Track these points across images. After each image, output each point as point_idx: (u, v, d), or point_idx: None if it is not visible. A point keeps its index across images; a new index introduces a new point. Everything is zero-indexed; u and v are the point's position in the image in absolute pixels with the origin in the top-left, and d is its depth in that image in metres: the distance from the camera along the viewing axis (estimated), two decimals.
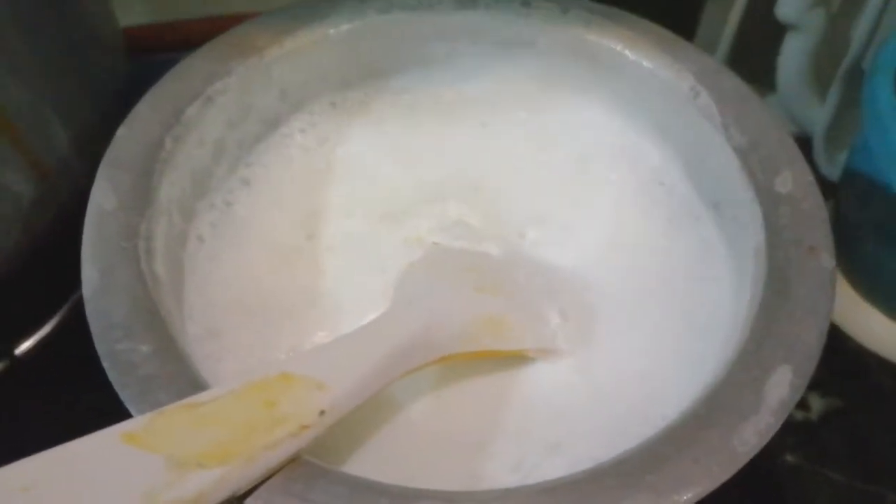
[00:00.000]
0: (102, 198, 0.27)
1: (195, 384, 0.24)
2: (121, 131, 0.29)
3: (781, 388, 0.24)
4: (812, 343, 0.25)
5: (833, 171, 0.46)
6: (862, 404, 0.39)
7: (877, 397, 0.40)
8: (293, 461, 0.23)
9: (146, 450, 0.20)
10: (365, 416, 0.25)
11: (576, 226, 0.33)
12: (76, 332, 0.38)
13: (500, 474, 0.25)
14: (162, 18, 0.52)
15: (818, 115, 0.47)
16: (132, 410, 0.23)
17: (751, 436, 0.23)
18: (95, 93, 0.37)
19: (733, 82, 0.33)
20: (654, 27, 0.35)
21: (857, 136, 0.40)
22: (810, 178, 0.30)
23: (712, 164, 0.32)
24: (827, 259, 0.27)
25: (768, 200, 0.29)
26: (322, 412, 0.23)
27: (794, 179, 0.30)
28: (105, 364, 0.24)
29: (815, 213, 0.29)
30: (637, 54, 0.35)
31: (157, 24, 0.52)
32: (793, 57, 0.46)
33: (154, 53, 0.49)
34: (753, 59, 0.47)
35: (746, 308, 0.27)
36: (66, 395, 0.36)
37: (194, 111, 0.31)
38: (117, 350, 0.24)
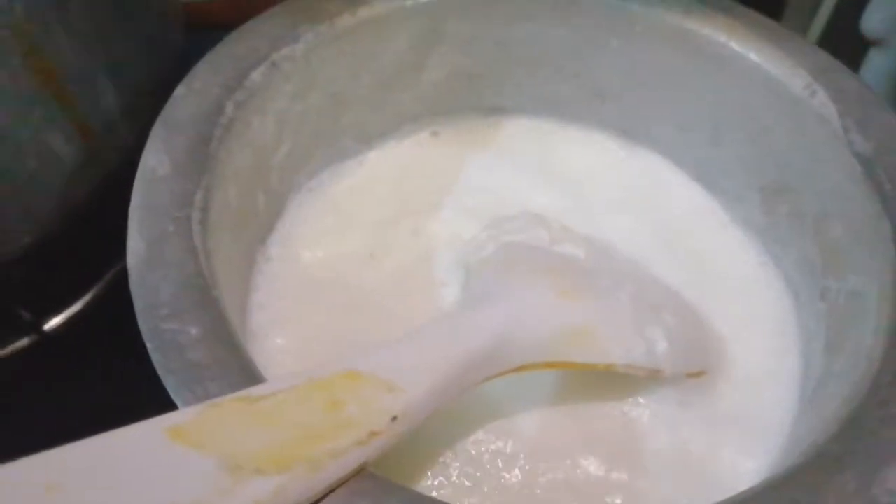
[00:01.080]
0: (156, 161, 0.24)
1: (250, 375, 0.21)
2: (179, 91, 0.26)
3: None
4: None
5: None
6: None
7: None
8: (358, 474, 0.19)
9: (196, 448, 0.17)
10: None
11: None
12: (110, 312, 0.36)
13: None
14: None
15: None
16: (177, 400, 0.20)
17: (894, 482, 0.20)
18: (149, 61, 0.35)
19: (855, 82, 0.29)
20: (762, 17, 0.32)
21: None
22: None
23: (826, 173, 0.29)
24: None
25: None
26: (394, 418, 0.20)
27: None
28: (149, 345, 0.21)
29: None
30: (743, 46, 0.31)
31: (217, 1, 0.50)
32: (877, 74, 0.43)
33: (213, 30, 0.46)
34: None
35: (872, 336, 0.24)
36: (97, 378, 0.34)
37: (259, 76, 0.28)
38: (163, 330, 0.21)
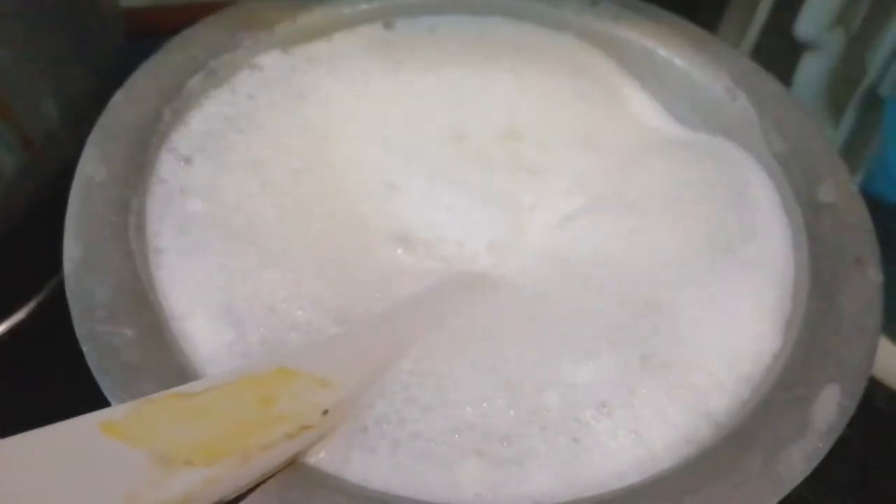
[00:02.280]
0: (92, 168, 0.25)
1: (184, 375, 0.21)
2: (117, 97, 0.27)
3: (829, 409, 0.22)
4: (860, 362, 0.23)
5: None
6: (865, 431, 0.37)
7: (880, 424, 0.38)
8: (290, 465, 0.20)
9: (128, 442, 0.17)
10: None
11: None
12: (53, 320, 0.36)
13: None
14: (163, 1, 0.50)
15: (832, 138, 0.45)
16: (112, 400, 0.20)
17: (798, 461, 0.21)
18: (90, 68, 0.35)
19: (774, 86, 0.31)
20: (687, 24, 0.33)
21: (875, 160, 0.39)
22: (854, 188, 0.28)
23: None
24: (874, 272, 0.25)
25: (811, 210, 0.27)
26: (325, 412, 0.21)
27: (837, 189, 0.28)
28: (84, 348, 0.21)
29: (861, 224, 0.27)
30: (669, 52, 0.32)
31: (158, 7, 0.50)
32: (809, 77, 0.45)
33: (154, 36, 0.46)
34: None
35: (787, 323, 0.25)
36: (40, 387, 0.34)
37: (196, 84, 0.28)
38: (98, 332, 0.21)
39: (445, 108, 0.30)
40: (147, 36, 0.41)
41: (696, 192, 0.28)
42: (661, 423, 0.22)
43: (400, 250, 0.27)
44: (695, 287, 0.26)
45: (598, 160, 0.30)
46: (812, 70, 0.44)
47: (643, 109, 0.32)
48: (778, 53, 0.46)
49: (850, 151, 0.44)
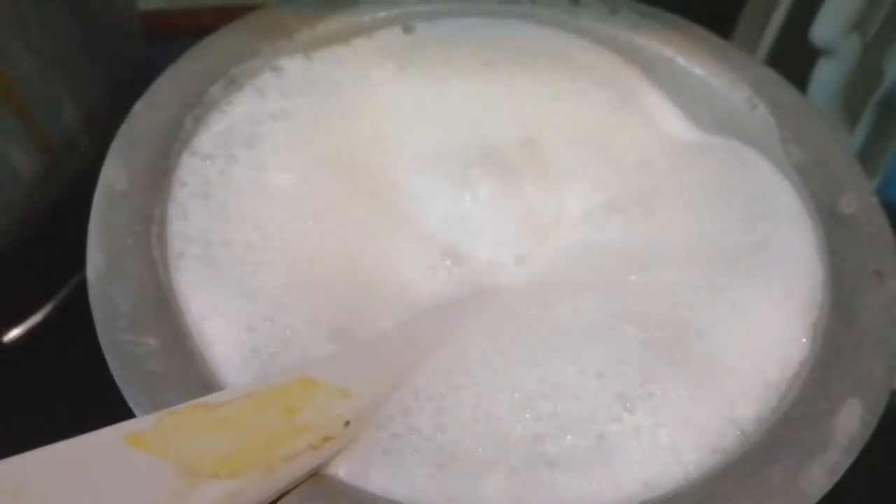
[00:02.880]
0: (114, 176, 0.25)
1: (207, 385, 0.21)
2: (138, 106, 0.27)
3: (851, 423, 0.22)
4: (881, 376, 0.23)
5: None
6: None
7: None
8: (312, 477, 0.20)
9: (154, 454, 0.17)
10: None
11: None
12: (70, 323, 0.36)
13: None
14: (180, 5, 0.50)
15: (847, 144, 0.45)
16: (136, 410, 0.20)
17: (819, 475, 0.21)
18: (109, 72, 0.35)
19: (793, 96, 0.31)
20: (707, 33, 0.33)
21: (891, 165, 0.39)
22: (874, 199, 0.28)
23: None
24: (894, 285, 0.25)
25: (831, 221, 0.27)
26: (347, 423, 0.21)
27: (858, 200, 0.28)
28: (108, 356, 0.21)
29: (882, 236, 0.27)
30: (689, 61, 0.32)
31: (175, 10, 0.50)
32: (825, 83, 0.45)
33: (172, 39, 0.46)
34: None
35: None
36: (57, 390, 0.34)
37: (217, 91, 0.28)
38: (122, 341, 0.21)
39: (466, 113, 0.30)
40: (165, 39, 0.41)
41: (719, 197, 0.28)
42: (687, 429, 0.22)
43: (423, 261, 0.27)
44: (718, 292, 0.26)
45: (619, 166, 0.30)
46: (828, 76, 0.44)
47: (665, 116, 0.32)
48: (793, 59, 0.46)
49: (866, 157, 0.44)
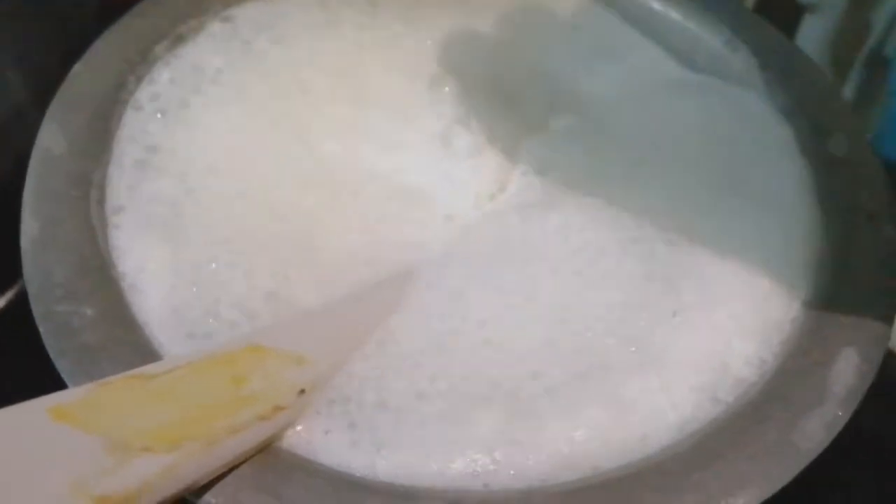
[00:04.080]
0: (51, 140, 0.23)
1: (149, 355, 0.20)
2: (77, 68, 0.25)
3: (847, 374, 0.20)
4: (879, 323, 0.22)
5: None
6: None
7: None
8: (264, 449, 0.19)
9: (80, 428, 0.16)
10: None
11: None
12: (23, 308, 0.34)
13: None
14: None
15: None
16: (70, 384, 0.19)
17: (815, 430, 0.19)
18: (59, 44, 0.33)
19: (776, 37, 0.29)
20: None
21: (881, 120, 0.37)
22: (866, 141, 0.26)
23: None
24: (890, 229, 0.24)
25: (821, 164, 0.25)
26: (302, 391, 0.19)
27: (849, 142, 0.26)
28: (41, 329, 0.20)
29: (875, 177, 0.25)
30: (665, 4, 0.31)
31: None
32: (812, 38, 0.43)
33: (127, 7, 0.44)
34: None
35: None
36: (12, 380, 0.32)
37: (162, 50, 0.27)
38: (56, 312, 0.20)
39: (424, 54, 0.28)
40: (119, 9, 0.39)
41: (706, 134, 0.27)
42: (684, 372, 0.21)
43: (374, 215, 0.25)
44: (711, 229, 0.24)
45: (599, 96, 0.28)
46: (814, 30, 0.43)
47: (644, 57, 0.30)
48: (779, 14, 0.44)
49: (856, 113, 0.43)
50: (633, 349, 0.21)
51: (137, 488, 0.15)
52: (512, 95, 0.28)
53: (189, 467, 0.16)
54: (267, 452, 0.18)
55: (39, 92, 0.31)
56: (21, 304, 0.34)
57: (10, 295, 0.35)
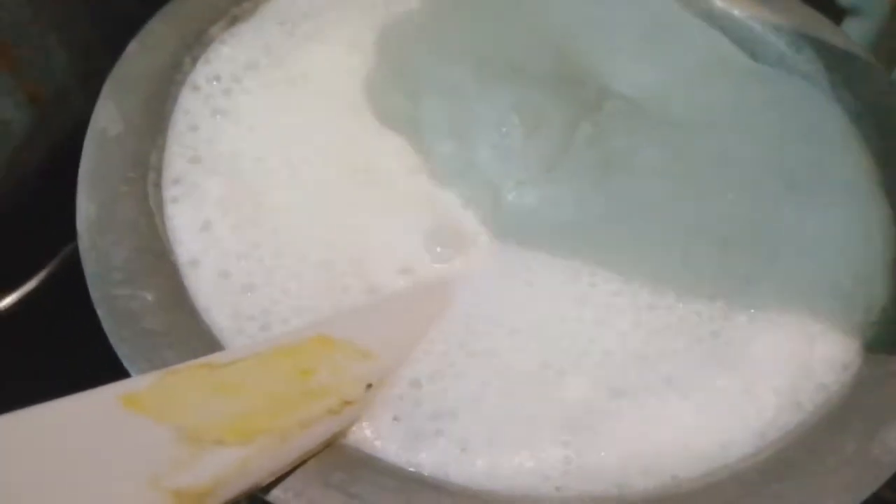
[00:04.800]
0: (107, 120, 0.23)
1: (210, 343, 0.19)
2: (132, 47, 0.25)
3: None
4: None
5: None
6: None
7: None
8: (329, 445, 0.18)
9: (152, 417, 0.15)
10: None
11: None
12: (65, 289, 0.34)
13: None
14: None
15: None
16: (132, 370, 0.18)
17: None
18: (103, 23, 0.33)
19: (841, 37, 0.28)
20: None
21: None
22: None
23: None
24: None
25: (889, 166, 0.25)
26: (369, 385, 0.18)
27: None
28: (100, 312, 0.19)
29: None
30: (726, 2, 0.30)
31: None
32: None
33: None
34: None
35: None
36: (53, 358, 0.32)
37: (218, 31, 0.26)
38: (115, 296, 0.19)
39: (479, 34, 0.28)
40: None
41: (774, 124, 0.26)
42: (767, 373, 0.20)
43: (423, 201, 0.24)
44: (787, 220, 0.24)
45: (664, 75, 0.27)
46: (855, 33, 0.42)
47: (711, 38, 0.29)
48: None
49: None
50: (713, 346, 0.21)
51: (213, 483, 0.15)
52: (569, 79, 0.28)
53: (262, 462, 0.16)
54: (333, 448, 0.18)
55: (82, 69, 0.31)
56: (53, 287, 0.34)
57: (41, 276, 0.35)
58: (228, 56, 0.25)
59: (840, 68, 0.28)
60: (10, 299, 0.33)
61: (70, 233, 0.34)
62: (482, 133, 0.26)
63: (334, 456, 0.18)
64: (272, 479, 0.16)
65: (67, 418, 0.15)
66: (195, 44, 0.26)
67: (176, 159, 0.23)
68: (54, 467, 0.14)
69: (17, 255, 0.33)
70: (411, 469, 0.18)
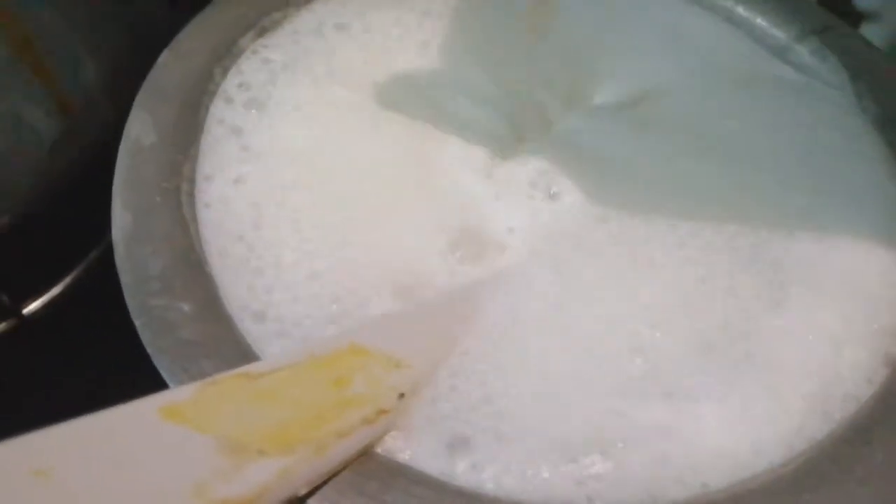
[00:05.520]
0: (141, 130, 0.23)
1: (246, 353, 0.19)
2: (164, 57, 0.25)
3: None
4: None
5: None
6: None
7: None
8: (363, 455, 0.18)
9: (194, 428, 0.15)
10: None
11: None
12: (90, 295, 0.34)
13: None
14: None
15: None
16: (171, 381, 0.18)
17: None
18: (131, 29, 0.33)
19: (866, 47, 0.29)
20: None
21: None
22: None
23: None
24: None
25: None
26: (402, 395, 0.19)
27: None
28: (137, 322, 0.19)
29: None
30: (749, 9, 0.30)
31: None
32: None
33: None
34: None
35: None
36: (78, 362, 0.32)
37: (247, 42, 0.26)
38: (152, 306, 0.20)
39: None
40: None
41: (795, 129, 0.26)
42: (795, 380, 0.21)
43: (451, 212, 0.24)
44: (813, 226, 0.24)
45: (688, 82, 0.27)
46: (873, 38, 0.42)
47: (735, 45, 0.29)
48: None
49: None
50: (742, 352, 0.21)
51: (256, 493, 0.15)
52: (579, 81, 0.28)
53: (301, 472, 0.16)
54: (367, 457, 0.18)
55: (111, 80, 0.31)
56: (78, 292, 0.34)
57: (67, 281, 0.35)
58: (258, 67, 0.26)
59: (864, 77, 0.28)
60: (36, 304, 0.34)
61: (96, 239, 0.35)
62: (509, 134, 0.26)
63: (368, 465, 0.18)
64: (309, 488, 0.17)
65: (111, 430, 0.15)
66: (226, 54, 0.26)
67: (208, 169, 0.23)
68: (100, 480, 0.14)
69: (44, 260, 0.34)
70: (444, 478, 0.18)
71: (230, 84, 0.25)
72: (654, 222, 0.24)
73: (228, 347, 0.19)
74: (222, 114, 0.24)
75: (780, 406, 0.20)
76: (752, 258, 0.23)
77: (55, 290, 0.35)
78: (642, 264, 0.23)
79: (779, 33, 0.30)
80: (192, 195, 0.23)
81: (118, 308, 0.20)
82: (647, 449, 0.19)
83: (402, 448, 0.19)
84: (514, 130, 0.27)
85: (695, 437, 0.19)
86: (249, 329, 0.20)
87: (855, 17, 0.42)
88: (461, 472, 0.18)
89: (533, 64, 0.28)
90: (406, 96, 0.27)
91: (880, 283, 0.22)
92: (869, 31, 0.42)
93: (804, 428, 0.20)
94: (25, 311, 0.33)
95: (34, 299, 0.34)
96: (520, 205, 0.24)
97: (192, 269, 0.21)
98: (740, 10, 0.30)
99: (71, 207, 0.31)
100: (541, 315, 0.22)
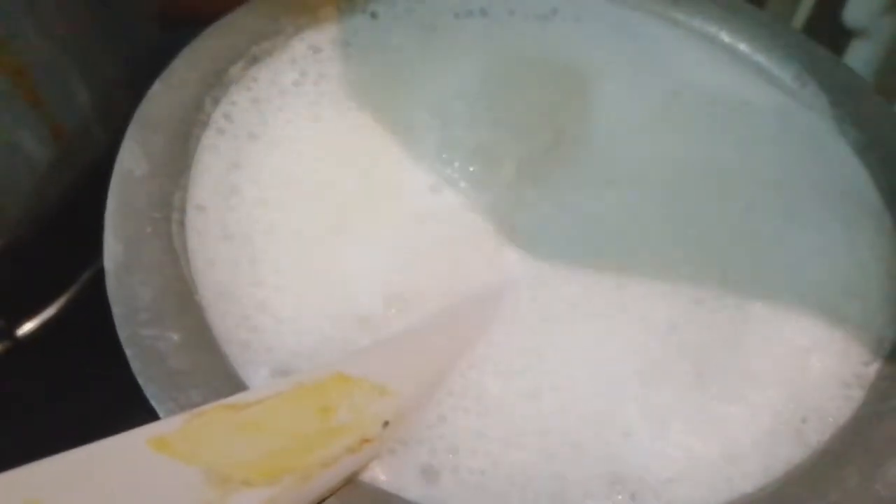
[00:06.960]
0: (132, 161, 0.24)
1: (234, 383, 0.20)
2: (155, 87, 0.25)
3: None
4: None
5: None
6: None
7: None
8: (347, 484, 0.19)
9: (181, 460, 0.16)
10: None
11: None
12: (84, 316, 0.34)
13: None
14: None
15: None
16: (159, 410, 0.19)
17: None
18: (123, 57, 0.34)
19: (846, 72, 0.29)
20: (749, 6, 0.31)
21: None
22: None
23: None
24: None
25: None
26: (386, 423, 0.19)
27: None
28: (128, 352, 0.20)
29: None
30: (732, 36, 0.31)
31: None
32: (858, 65, 0.43)
33: (188, 24, 0.45)
34: None
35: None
36: (72, 385, 0.33)
37: (238, 71, 0.27)
38: (142, 336, 0.20)
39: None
40: (183, 23, 0.40)
41: (773, 153, 0.27)
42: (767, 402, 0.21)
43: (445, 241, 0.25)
44: (786, 254, 0.25)
45: (665, 107, 0.28)
46: (861, 57, 0.43)
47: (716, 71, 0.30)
48: (826, 39, 0.44)
49: None
50: (707, 374, 0.21)
51: None
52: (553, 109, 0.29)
53: (286, 502, 0.16)
54: (352, 486, 0.19)
55: (104, 107, 0.32)
56: (71, 314, 0.35)
57: (60, 302, 0.35)
58: (248, 96, 0.26)
59: (845, 102, 0.28)
60: (30, 325, 0.34)
61: (89, 260, 0.35)
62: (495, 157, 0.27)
63: (353, 494, 0.18)
64: None
65: (102, 462, 0.15)
66: (216, 84, 0.26)
67: (199, 199, 0.24)
68: None
69: (38, 281, 0.34)
70: None
71: (219, 114, 0.26)
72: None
73: (216, 377, 0.20)
74: (213, 143, 0.25)
75: (755, 430, 0.20)
76: (724, 281, 0.23)
77: (49, 312, 0.35)
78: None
79: (761, 59, 0.30)
80: (182, 224, 0.23)
81: (109, 330, 0.21)
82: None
83: (387, 476, 0.19)
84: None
85: (676, 461, 0.20)
86: (237, 358, 0.21)
87: (844, 35, 0.43)
88: (445, 499, 0.19)
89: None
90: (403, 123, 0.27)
91: (855, 308, 0.23)
92: (858, 48, 0.43)
93: (779, 453, 0.20)
94: (19, 333, 0.34)
95: (29, 320, 0.35)
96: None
97: (181, 298, 0.21)
98: (725, 37, 0.31)
99: (65, 230, 0.32)
100: (538, 343, 0.22)
